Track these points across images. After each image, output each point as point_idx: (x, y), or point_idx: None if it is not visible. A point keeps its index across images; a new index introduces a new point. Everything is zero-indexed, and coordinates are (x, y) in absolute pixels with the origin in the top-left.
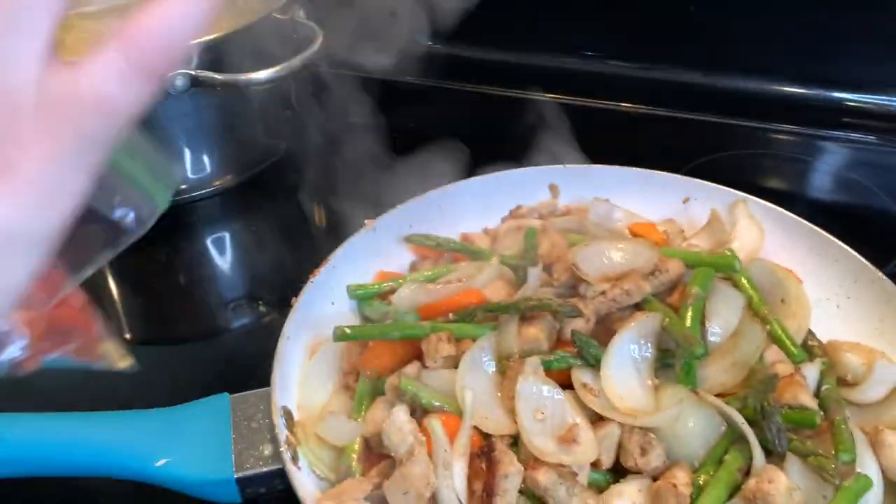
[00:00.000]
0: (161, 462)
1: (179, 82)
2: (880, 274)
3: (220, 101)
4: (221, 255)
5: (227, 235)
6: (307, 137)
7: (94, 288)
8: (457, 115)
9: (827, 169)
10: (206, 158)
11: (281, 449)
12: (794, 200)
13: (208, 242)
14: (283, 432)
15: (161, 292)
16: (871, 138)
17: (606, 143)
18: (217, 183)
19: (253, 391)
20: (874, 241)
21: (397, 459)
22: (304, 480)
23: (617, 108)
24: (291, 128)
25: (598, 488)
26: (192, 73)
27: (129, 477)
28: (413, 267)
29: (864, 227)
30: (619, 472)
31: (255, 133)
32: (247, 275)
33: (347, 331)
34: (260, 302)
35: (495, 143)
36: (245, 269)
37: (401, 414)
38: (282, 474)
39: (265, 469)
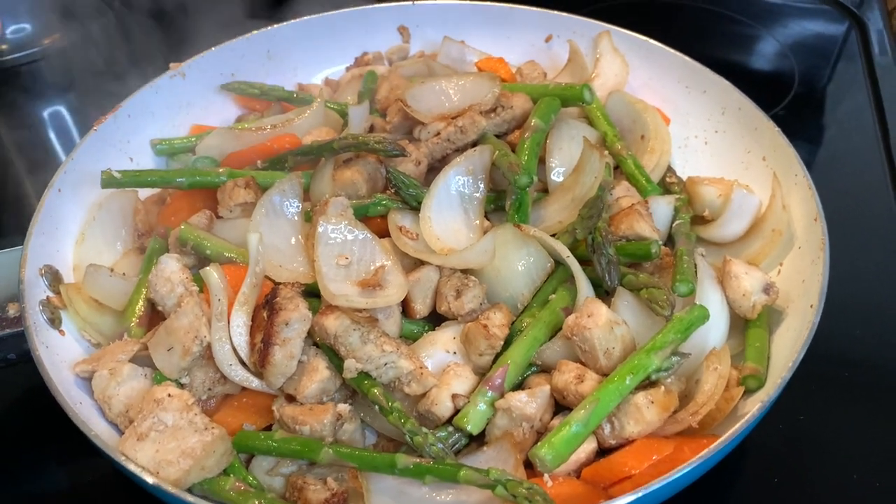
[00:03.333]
0: None
1: None
2: (747, 99)
3: None
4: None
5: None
6: None
7: None
8: None
9: (733, 20)
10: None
11: (31, 308)
12: (689, 50)
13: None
14: (34, 291)
15: None
16: None
17: None
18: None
19: (5, 250)
20: (765, 90)
21: (165, 313)
22: (56, 343)
23: None
24: None
25: (414, 340)
26: None
27: None
28: (239, 122)
29: (759, 77)
30: (440, 323)
31: None
32: None
33: (117, 175)
34: None
35: None
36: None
37: (170, 262)
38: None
39: (7, 331)
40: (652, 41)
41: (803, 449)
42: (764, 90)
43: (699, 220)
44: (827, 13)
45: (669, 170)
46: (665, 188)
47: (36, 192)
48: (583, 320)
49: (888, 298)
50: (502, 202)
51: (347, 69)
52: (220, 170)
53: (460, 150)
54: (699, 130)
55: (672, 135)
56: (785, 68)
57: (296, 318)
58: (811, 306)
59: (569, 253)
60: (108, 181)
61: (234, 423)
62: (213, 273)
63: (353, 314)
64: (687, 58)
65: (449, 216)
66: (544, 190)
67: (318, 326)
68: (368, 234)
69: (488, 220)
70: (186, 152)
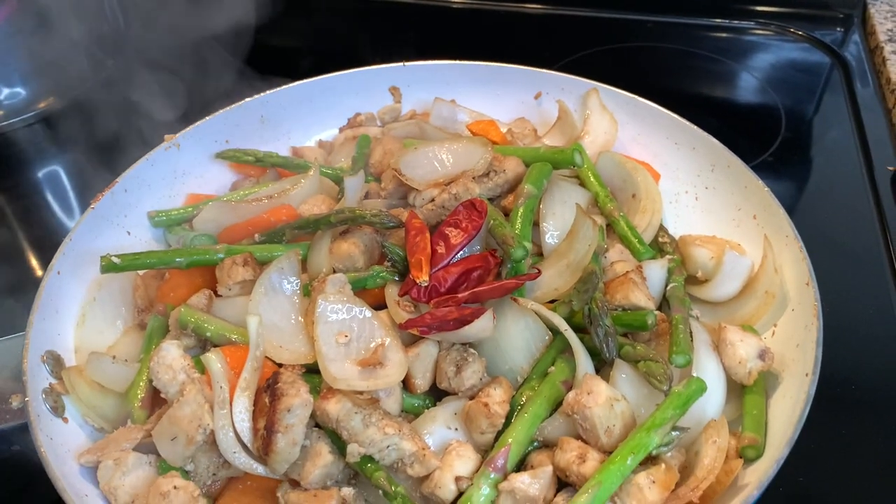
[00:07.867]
0: None
1: None
2: (736, 158)
3: (15, 10)
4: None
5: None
6: (135, 51)
7: None
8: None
9: (713, 61)
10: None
11: (35, 399)
12: (675, 95)
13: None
14: (37, 381)
15: None
16: (760, 29)
17: (475, 45)
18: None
19: (7, 337)
20: (753, 133)
21: (168, 401)
22: (61, 432)
23: (482, 6)
24: (113, 41)
25: (416, 415)
26: None
27: None
28: (234, 188)
29: (746, 120)
30: (441, 396)
31: (69, 47)
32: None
33: (116, 260)
34: None
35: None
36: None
37: (171, 349)
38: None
39: (11, 424)
40: (639, 99)
41: None
42: (751, 134)
43: (693, 279)
44: (806, 48)
45: (661, 228)
46: (658, 247)
47: (36, 266)
48: (583, 398)
49: (883, 343)
50: (499, 269)
51: (340, 130)
52: (218, 247)
53: None
54: (689, 186)
55: (663, 190)
56: (770, 104)
57: (297, 403)
58: (806, 375)
59: (567, 326)
60: (108, 266)
61: None
62: (214, 360)
63: (354, 396)
64: (675, 115)
65: None
66: (539, 253)
67: (319, 411)
68: (367, 311)
69: None
70: (184, 223)
